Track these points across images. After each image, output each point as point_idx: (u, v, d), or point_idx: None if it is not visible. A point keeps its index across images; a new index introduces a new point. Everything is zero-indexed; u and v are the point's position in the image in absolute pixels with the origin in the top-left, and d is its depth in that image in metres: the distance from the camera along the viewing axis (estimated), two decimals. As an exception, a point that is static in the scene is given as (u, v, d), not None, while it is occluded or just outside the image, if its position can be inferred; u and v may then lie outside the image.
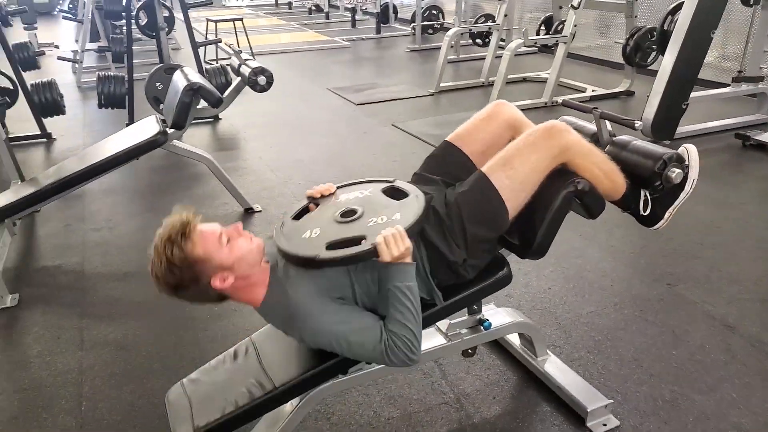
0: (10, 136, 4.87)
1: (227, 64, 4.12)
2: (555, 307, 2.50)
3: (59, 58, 6.71)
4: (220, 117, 5.43)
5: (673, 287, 2.62)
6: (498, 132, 1.83)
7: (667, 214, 1.83)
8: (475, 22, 7.50)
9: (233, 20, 7.82)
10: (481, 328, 1.92)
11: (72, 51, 7.46)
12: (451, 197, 1.65)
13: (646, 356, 2.19)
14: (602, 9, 6.91)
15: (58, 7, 12.41)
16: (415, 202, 1.56)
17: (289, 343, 1.74)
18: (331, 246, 1.45)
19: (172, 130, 3.09)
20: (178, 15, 6.04)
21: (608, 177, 1.71)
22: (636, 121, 1.72)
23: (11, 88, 4.79)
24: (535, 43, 5.65)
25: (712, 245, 2.98)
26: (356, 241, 1.46)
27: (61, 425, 1.95)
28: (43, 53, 5.03)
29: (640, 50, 5.53)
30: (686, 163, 1.78)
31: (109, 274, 2.86)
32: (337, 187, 1.73)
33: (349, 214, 1.56)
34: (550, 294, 2.60)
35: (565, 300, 2.55)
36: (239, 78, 3.19)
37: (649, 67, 5.62)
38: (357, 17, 11.11)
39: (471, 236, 1.59)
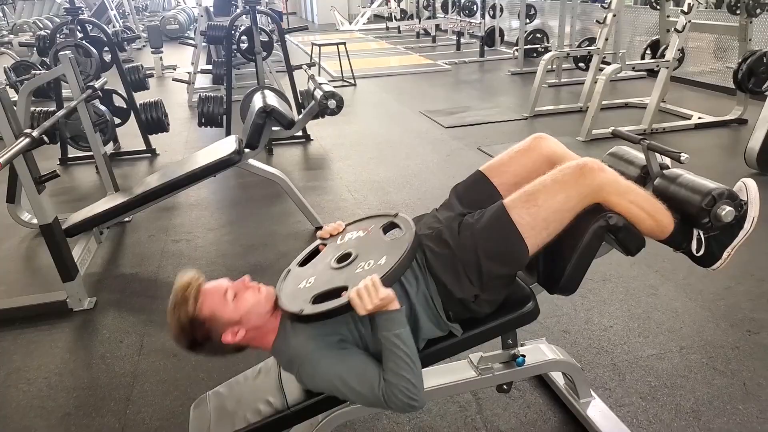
0: (121, 150, 5.35)
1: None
2: (613, 347, 2.34)
3: (174, 80, 7.26)
4: (311, 138, 5.62)
5: (754, 335, 2.37)
6: (533, 167, 1.75)
7: (725, 254, 1.66)
8: (578, 46, 7.29)
9: (336, 44, 8.10)
10: (515, 363, 1.83)
11: (188, 72, 8.04)
12: (466, 228, 1.59)
13: (707, 409, 1.99)
14: (711, 32, 6.48)
15: (188, 32, 13.41)
16: (404, 243, 1.49)
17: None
18: (316, 298, 1.44)
19: (247, 150, 3.23)
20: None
21: (650, 216, 1.57)
22: (682, 154, 1.58)
23: (125, 107, 5.22)
24: (633, 67, 5.37)
25: (810, 290, 2.68)
26: (338, 292, 1.43)
27: (106, 426, 2.07)
28: (151, 75, 5.43)
29: (754, 75, 5.10)
30: (744, 199, 1.62)
31: (178, 284, 3.02)
32: (347, 225, 1.72)
33: (343, 259, 1.55)
34: (611, 333, 2.43)
35: (626, 340, 2.38)
36: (313, 101, 3.28)
37: (766, 94, 5.17)
38: (463, 41, 11.11)
39: (486, 271, 1.52)
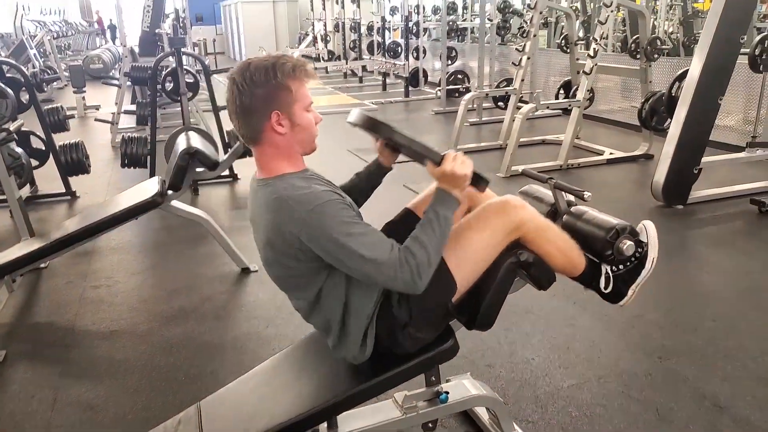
0: (38, 193, 5.13)
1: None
2: (535, 379, 2.40)
3: (96, 120, 7.07)
4: (239, 177, 5.57)
5: (665, 361, 2.50)
6: None
7: (630, 291, 1.79)
8: (497, 86, 7.61)
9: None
10: (438, 401, 1.86)
11: (111, 113, 7.84)
12: None
13: (623, 436, 2.08)
14: (617, 75, 6.98)
15: (113, 72, 13.09)
16: None
17: (237, 410, 1.72)
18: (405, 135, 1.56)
19: (170, 192, 3.18)
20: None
21: (563, 253, 1.69)
22: (585, 192, 1.69)
23: (43, 149, 5.03)
24: (548, 106, 5.66)
25: (714, 317, 2.85)
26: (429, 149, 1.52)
27: (14, 487, 1.95)
28: (72, 116, 5.28)
29: (656, 114, 5.49)
30: (644, 240, 1.75)
31: (96, 332, 2.90)
32: None
33: None
34: (533, 365, 2.50)
35: (547, 371, 2.45)
36: (238, 142, 3.28)
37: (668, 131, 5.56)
38: (389, 81, 11.36)
39: (414, 302, 1.57)
